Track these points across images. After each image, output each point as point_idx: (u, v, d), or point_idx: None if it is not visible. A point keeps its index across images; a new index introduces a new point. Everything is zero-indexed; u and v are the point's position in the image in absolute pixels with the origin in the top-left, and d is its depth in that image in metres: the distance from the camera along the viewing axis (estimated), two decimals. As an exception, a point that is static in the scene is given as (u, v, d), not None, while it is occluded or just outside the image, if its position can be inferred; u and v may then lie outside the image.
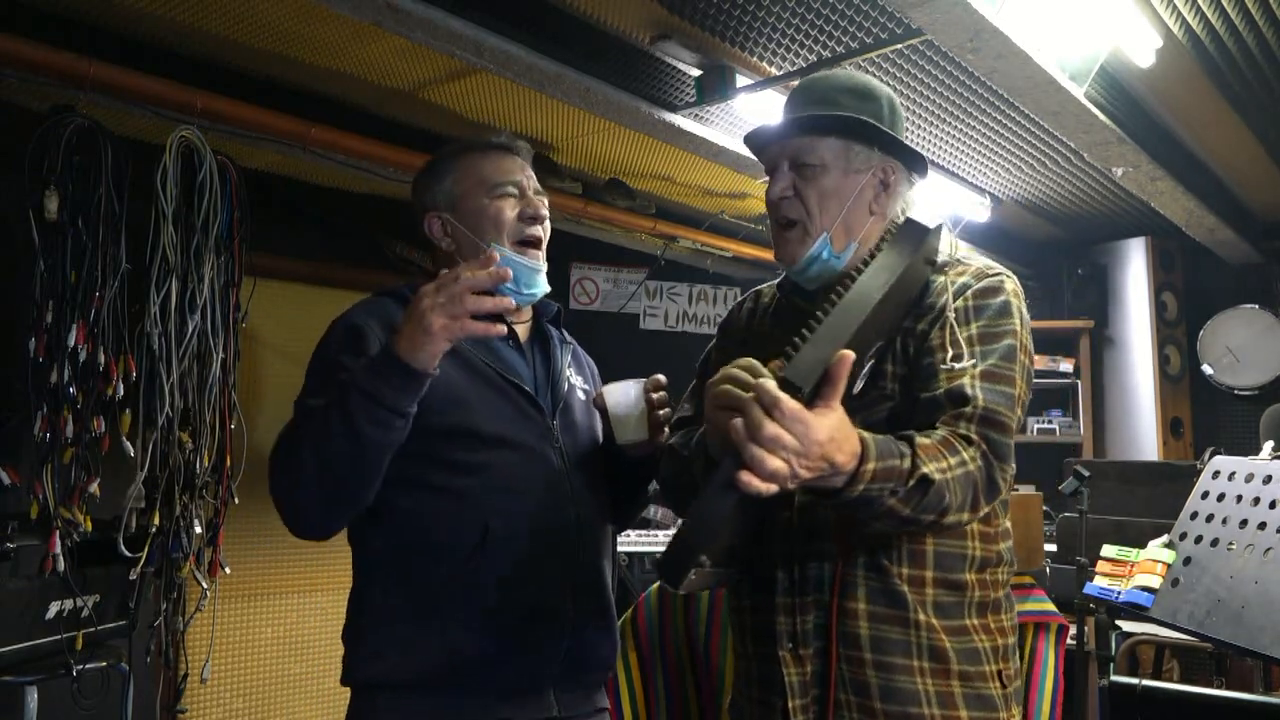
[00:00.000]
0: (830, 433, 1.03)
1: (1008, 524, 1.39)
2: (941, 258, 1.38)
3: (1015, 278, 1.37)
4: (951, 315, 1.27)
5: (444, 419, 1.41)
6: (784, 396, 1.01)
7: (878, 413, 1.27)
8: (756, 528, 1.27)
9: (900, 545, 1.27)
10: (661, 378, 1.52)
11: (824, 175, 1.35)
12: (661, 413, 1.50)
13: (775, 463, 1.00)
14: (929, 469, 1.12)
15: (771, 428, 1.00)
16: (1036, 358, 3.84)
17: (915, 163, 1.40)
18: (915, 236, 1.19)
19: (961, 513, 1.17)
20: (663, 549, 1.09)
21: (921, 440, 1.16)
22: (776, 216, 1.39)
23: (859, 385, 1.24)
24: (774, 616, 1.29)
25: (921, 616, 1.26)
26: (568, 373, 1.62)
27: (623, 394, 1.49)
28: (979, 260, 1.40)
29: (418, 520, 1.41)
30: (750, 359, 1.16)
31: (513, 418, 1.48)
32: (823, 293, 1.31)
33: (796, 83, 1.48)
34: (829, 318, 1.09)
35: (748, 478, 0.99)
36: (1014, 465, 1.25)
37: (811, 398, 1.04)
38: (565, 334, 1.69)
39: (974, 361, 1.24)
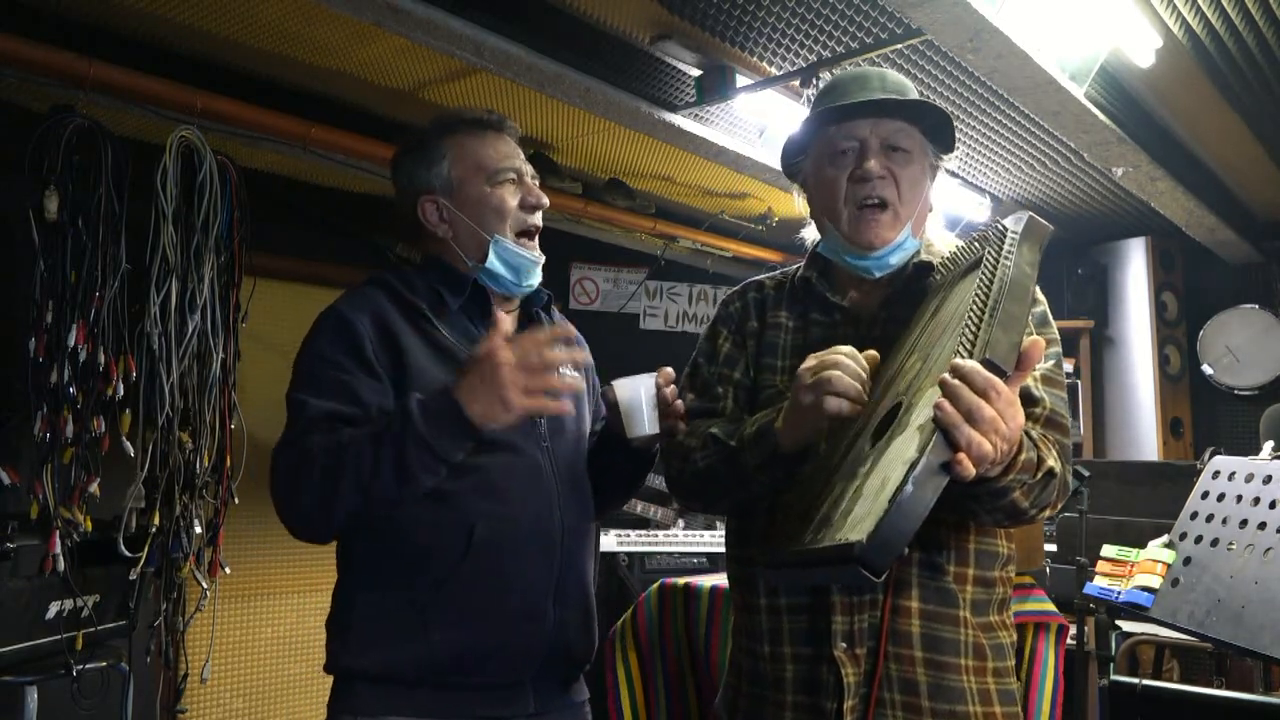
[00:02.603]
0: (1022, 419, 1.04)
1: None
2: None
3: None
4: (1030, 320, 1.29)
5: None
6: (1000, 382, 0.99)
7: None
8: None
9: (950, 543, 1.28)
10: (670, 371, 1.49)
11: (911, 163, 1.35)
12: (677, 404, 1.46)
13: (988, 447, 0.98)
14: (1051, 462, 1.15)
15: (990, 411, 0.98)
16: (1036, 358, 3.85)
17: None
18: (1041, 235, 1.20)
19: (1050, 509, 1.21)
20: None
21: (1032, 435, 1.18)
22: (865, 194, 1.34)
23: None
24: (829, 616, 1.26)
25: (965, 614, 1.27)
26: None
27: (634, 389, 1.46)
28: None
29: (405, 523, 1.40)
30: (845, 346, 1.19)
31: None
32: (941, 282, 1.33)
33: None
34: (1006, 304, 1.07)
35: (965, 463, 0.96)
36: None
37: None
38: (557, 314, 1.67)
39: None
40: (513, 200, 1.53)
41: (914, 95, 1.37)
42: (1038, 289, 1.35)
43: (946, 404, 0.97)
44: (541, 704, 1.47)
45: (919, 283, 1.37)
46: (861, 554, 0.94)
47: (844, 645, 1.25)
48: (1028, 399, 1.23)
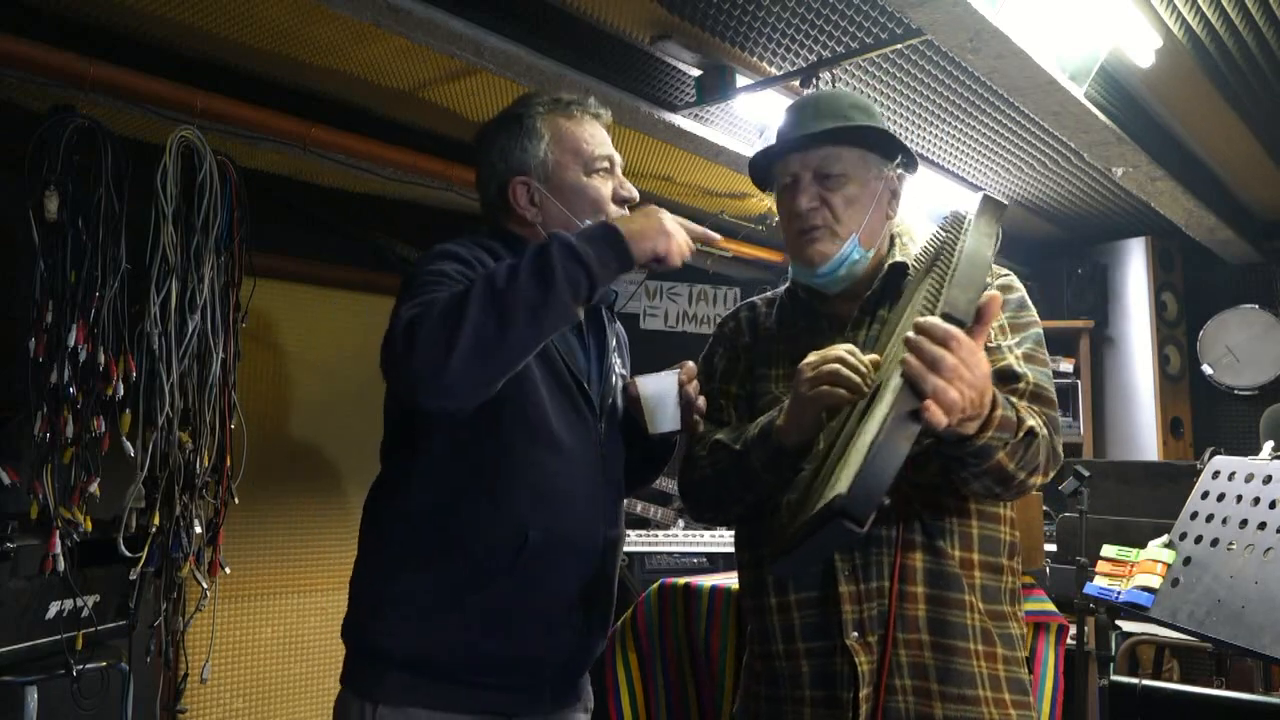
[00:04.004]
0: (987, 368, 1.09)
1: None
2: None
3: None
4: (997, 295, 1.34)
5: (516, 408, 1.39)
6: (959, 332, 1.05)
7: None
8: None
9: (952, 527, 1.31)
10: (692, 366, 1.51)
11: (847, 184, 1.40)
12: (700, 401, 1.48)
13: (954, 393, 1.03)
14: (1031, 423, 1.20)
15: (952, 358, 1.03)
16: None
17: (911, 166, 1.48)
18: (997, 211, 1.26)
19: (1041, 475, 1.25)
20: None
21: (1011, 400, 1.22)
22: (803, 226, 1.41)
23: None
24: (839, 607, 1.29)
25: (972, 599, 1.30)
26: (615, 360, 1.60)
27: (658, 386, 1.48)
28: None
29: (461, 515, 1.39)
30: (845, 345, 1.24)
31: (573, 423, 1.46)
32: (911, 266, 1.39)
33: (802, 92, 1.52)
34: (963, 267, 1.13)
35: (933, 409, 1.02)
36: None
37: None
38: (612, 312, 1.65)
39: (1011, 346, 1.33)
40: (607, 191, 1.51)
41: (853, 116, 1.41)
42: (1014, 276, 1.44)
43: (911, 357, 1.04)
44: (556, 703, 1.48)
45: (896, 284, 1.44)
46: (842, 505, 1.00)
47: (855, 634, 1.28)
48: (1009, 376, 1.29)
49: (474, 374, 1.21)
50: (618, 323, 1.68)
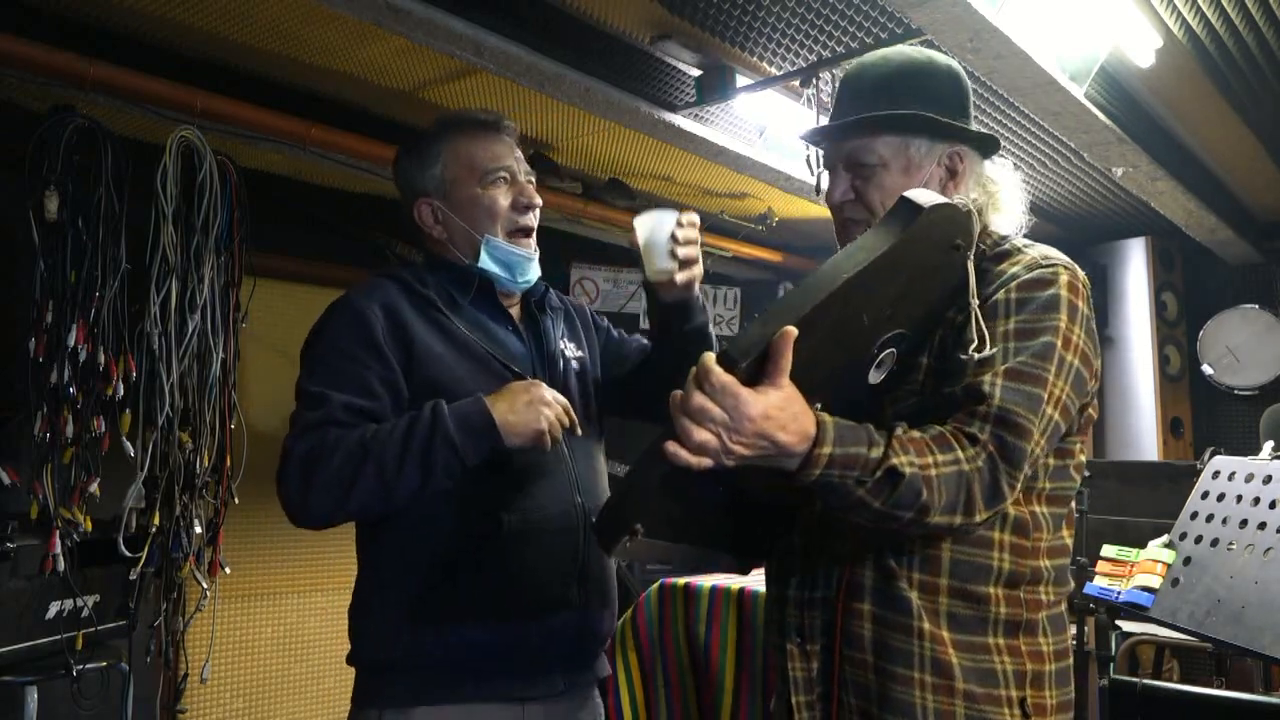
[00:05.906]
0: (767, 409, 1.00)
1: (1066, 539, 1.27)
2: (1007, 245, 1.29)
3: (1076, 269, 1.24)
4: (975, 304, 1.19)
5: None
6: (715, 369, 0.99)
7: (905, 406, 1.22)
8: (714, 508, 1.24)
9: (913, 549, 1.21)
10: (695, 216, 1.48)
11: (884, 173, 1.30)
12: (684, 250, 1.45)
13: (702, 435, 0.99)
14: (898, 461, 1.06)
15: (699, 399, 0.99)
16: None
17: (984, 141, 1.35)
18: (904, 216, 1.11)
19: (951, 515, 1.09)
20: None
21: (907, 433, 1.10)
22: (839, 219, 1.35)
23: (877, 376, 1.20)
24: (785, 609, 1.29)
25: (927, 626, 1.18)
26: (561, 346, 1.63)
27: (650, 226, 1.45)
28: (1039, 249, 1.28)
29: (429, 511, 1.43)
30: None
31: None
32: None
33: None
34: (786, 295, 1.06)
35: (673, 448, 0.99)
36: (1027, 471, 1.13)
37: (755, 374, 1.01)
38: (555, 297, 1.68)
39: (1002, 357, 1.16)
40: (504, 201, 1.55)
41: (897, 94, 1.30)
42: (1063, 269, 1.22)
43: (675, 394, 1.01)
44: (568, 683, 1.50)
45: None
46: (593, 527, 1.06)
47: (797, 639, 1.26)
48: (975, 395, 1.13)
49: (353, 519, 1.44)
50: (568, 305, 1.71)
